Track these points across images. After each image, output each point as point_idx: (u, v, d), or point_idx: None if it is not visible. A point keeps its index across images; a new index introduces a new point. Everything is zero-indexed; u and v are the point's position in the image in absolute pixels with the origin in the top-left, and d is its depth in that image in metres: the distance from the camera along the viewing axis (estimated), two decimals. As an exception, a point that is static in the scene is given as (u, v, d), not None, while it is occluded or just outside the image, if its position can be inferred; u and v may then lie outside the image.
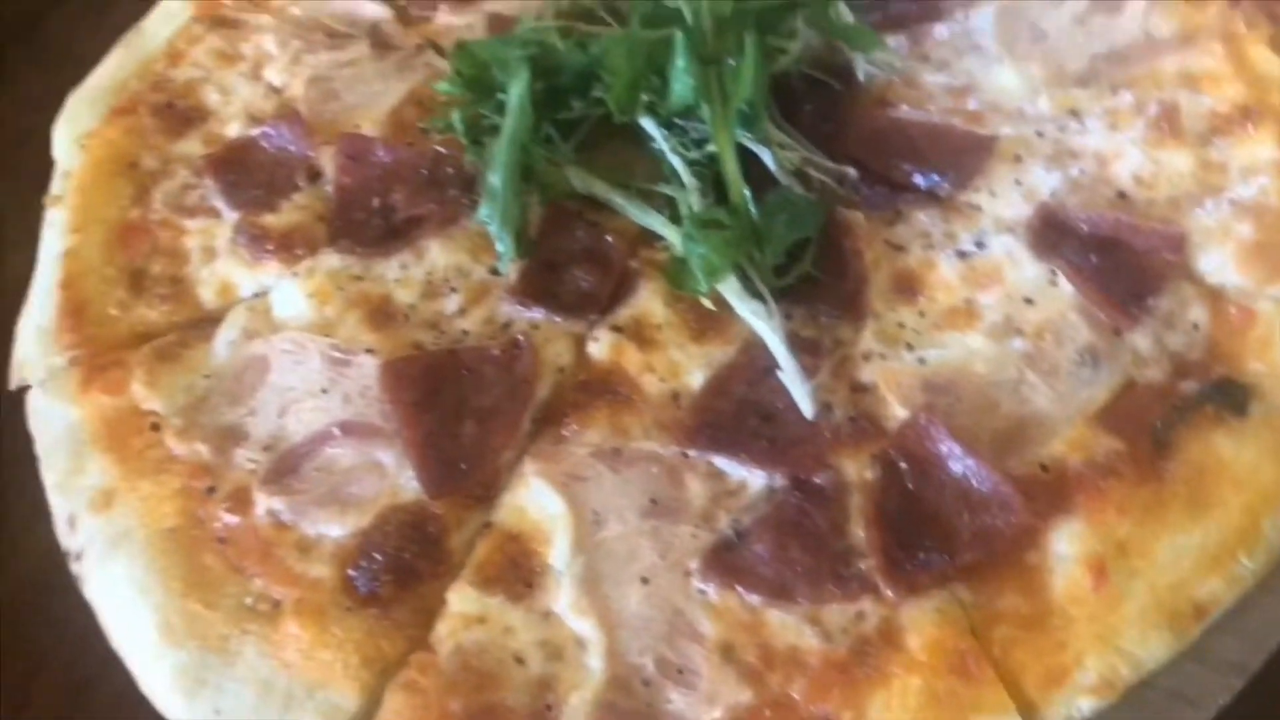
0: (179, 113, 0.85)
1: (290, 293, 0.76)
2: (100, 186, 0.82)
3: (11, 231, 0.94)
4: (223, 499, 0.69)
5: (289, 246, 0.78)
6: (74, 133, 0.85)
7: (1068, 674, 0.61)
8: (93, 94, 0.87)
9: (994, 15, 0.82)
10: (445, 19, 0.89)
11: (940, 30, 0.82)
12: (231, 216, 0.80)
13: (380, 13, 0.89)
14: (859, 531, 0.65)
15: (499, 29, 0.86)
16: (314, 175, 0.81)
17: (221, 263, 0.78)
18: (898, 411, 0.68)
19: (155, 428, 0.72)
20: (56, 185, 0.83)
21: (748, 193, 0.72)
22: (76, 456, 0.72)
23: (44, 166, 0.90)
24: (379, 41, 0.88)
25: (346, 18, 0.90)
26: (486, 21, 0.88)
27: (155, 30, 0.90)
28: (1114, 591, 0.62)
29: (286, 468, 0.70)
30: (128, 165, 0.83)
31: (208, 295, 0.78)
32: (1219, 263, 0.70)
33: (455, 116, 0.76)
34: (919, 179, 0.76)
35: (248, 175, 0.82)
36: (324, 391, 0.72)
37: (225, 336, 0.75)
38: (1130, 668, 0.61)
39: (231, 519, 0.69)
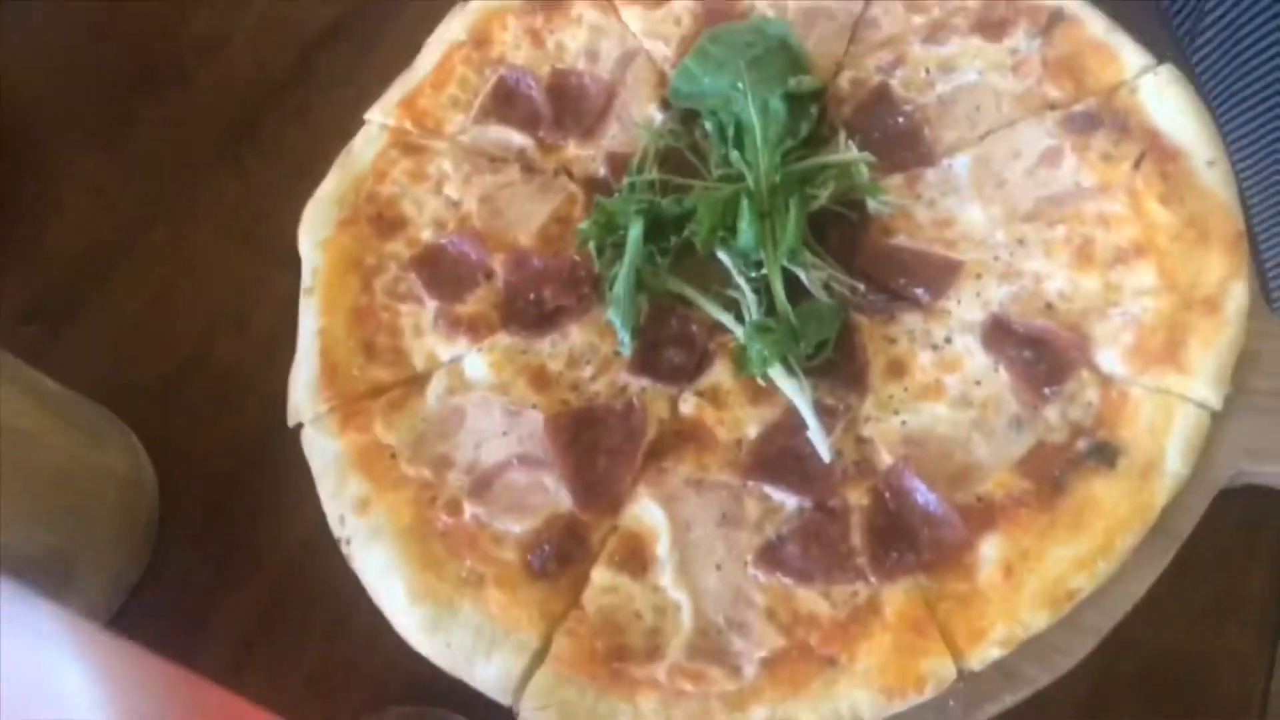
0: (386, 221, 1.13)
1: (476, 362, 1.05)
2: (338, 279, 1.10)
3: (254, 294, 1.22)
4: (441, 506, 0.97)
5: (474, 329, 1.06)
6: (314, 238, 1.12)
7: (985, 634, 0.86)
8: (323, 205, 1.14)
9: (969, 163, 1.07)
10: (574, 150, 1.15)
11: (930, 174, 1.07)
12: (432, 304, 1.08)
13: (525, 142, 1.17)
14: (857, 539, 0.92)
15: (613, 161, 1.14)
16: (488, 275, 1.09)
17: (427, 338, 1.06)
18: (885, 458, 0.95)
19: (393, 456, 1.00)
20: (307, 279, 1.10)
21: (789, 307, 1.00)
22: (341, 476, 1.00)
23: (274, 241, 1.17)
24: (526, 166, 1.16)
25: (501, 145, 1.17)
26: (605, 156, 1.14)
27: (362, 151, 1.18)
28: (1017, 583, 0.87)
29: (482, 486, 0.99)
30: (355, 263, 1.10)
31: (419, 361, 1.06)
32: (1110, 358, 0.96)
33: (591, 245, 1.06)
34: (909, 290, 1.02)
35: (440, 273, 1.10)
36: (504, 434, 1.01)
37: (433, 392, 1.04)
38: (1023, 631, 0.86)
39: (449, 520, 0.96)
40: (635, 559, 0.96)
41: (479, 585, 0.95)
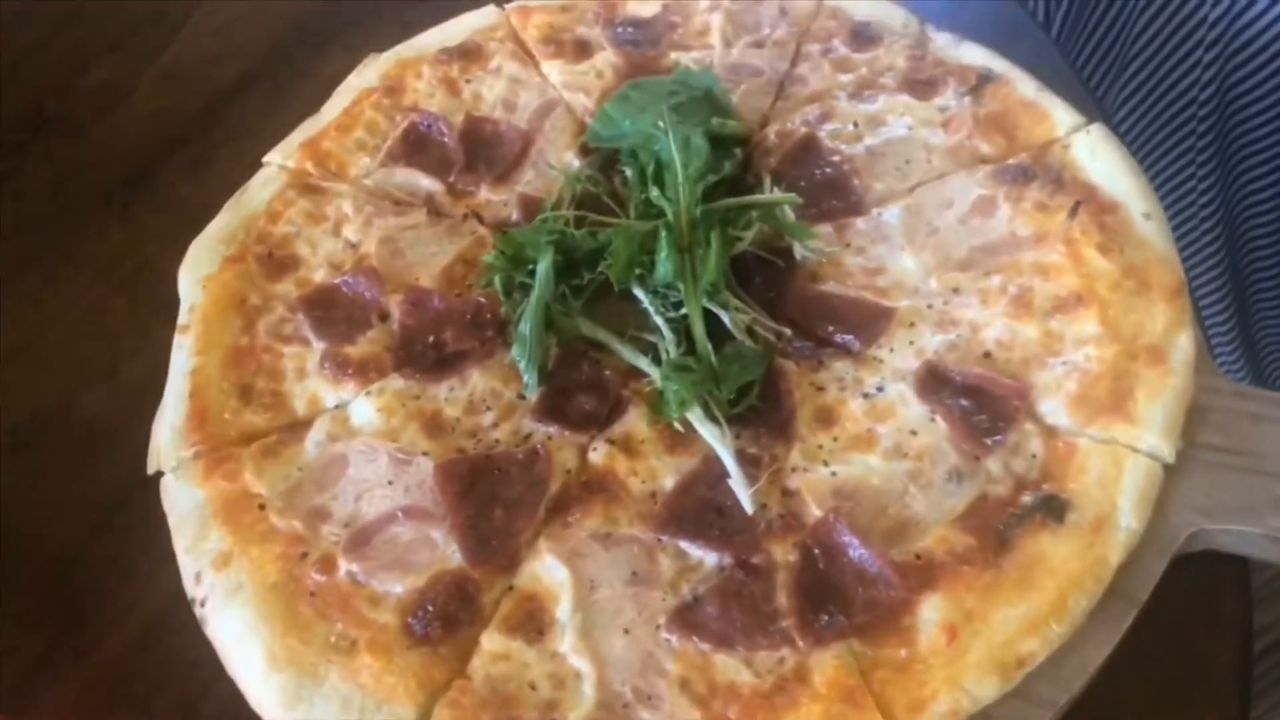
0: (277, 261, 1.04)
1: (364, 407, 0.95)
2: (218, 318, 1.00)
3: (130, 342, 1.12)
4: (313, 563, 0.86)
5: (364, 371, 0.97)
6: (196, 275, 1.03)
7: (926, 705, 0.77)
8: (210, 243, 1.06)
9: (900, 213, 1.02)
10: (485, 195, 1.09)
11: (859, 223, 1.02)
12: (319, 346, 0.99)
13: (434, 186, 1.10)
14: (783, 599, 0.83)
15: (526, 205, 1.07)
16: (383, 316, 1.00)
17: (311, 381, 0.97)
18: (814, 511, 0.87)
19: (261, 507, 0.90)
20: (183, 316, 1.01)
21: (709, 346, 0.92)
22: (202, 527, 0.89)
23: (156, 290, 1.08)
24: (433, 210, 1.09)
25: (407, 188, 1.10)
26: (518, 199, 1.08)
27: (257, 192, 1.10)
28: (961, 647, 0.79)
29: (361, 540, 0.88)
30: (238, 302, 1.01)
31: (300, 406, 0.96)
32: (1053, 408, 0.89)
33: (496, 280, 0.98)
34: (838, 338, 0.95)
35: (331, 313, 1.01)
36: (390, 483, 0.91)
37: (313, 438, 0.94)
38: (970, 702, 0.77)
39: (320, 578, 0.86)
40: (532, 622, 0.85)
41: (350, 651, 0.84)
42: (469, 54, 1.20)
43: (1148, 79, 1.38)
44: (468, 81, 1.18)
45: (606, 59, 1.19)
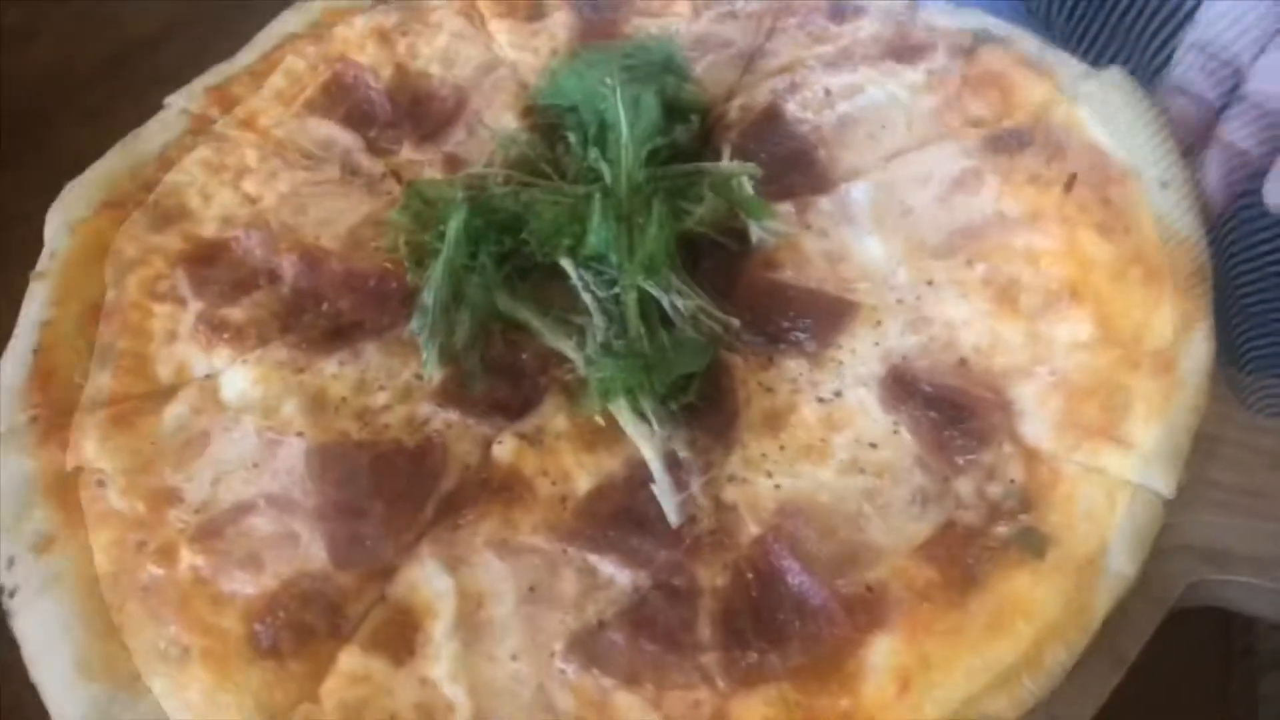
0: (162, 211, 0.91)
1: (238, 377, 0.82)
2: (83, 268, 0.87)
3: None
4: (151, 553, 0.73)
5: (242, 337, 0.84)
6: (65, 219, 0.90)
7: None
8: (87, 187, 0.92)
9: (869, 190, 0.89)
10: (408, 154, 0.96)
11: (823, 202, 0.89)
12: (196, 306, 0.85)
13: (352, 142, 0.97)
14: (705, 630, 0.69)
15: (452, 166, 0.94)
16: (274, 278, 0.87)
17: (180, 345, 0.84)
18: (752, 529, 0.73)
19: (100, 484, 0.76)
20: (43, 262, 0.88)
21: (644, 330, 0.79)
22: (25, 504, 0.76)
23: (27, 246, 0.92)
24: (349, 167, 0.96)
25: (322, 142, 0.97)
26: (443, 159, 0.95)
27: (151, 135, 0.97)
28: (914, 701, 0.66)
29: (212, 530, 0.74)
30: (110, 252, 0.88)
31: (165, 372, 0.83)
32: (1036, 428, 0.76)
33: (400, 241, 0.86)
34: (793, 333, 0.82)
35: (214, 271, 0.88)
36: (255, 466, 0.77)
37: (175, 410, 0.80)
38: None
39: (157, 571, 0.72)
40: (402, 639, 0.71)
41: (180, 661, 0.70)
42: (409, 6, 1.07)
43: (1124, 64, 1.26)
44: (403, 34, 1.05)
45: (561, 21, 1.06)
